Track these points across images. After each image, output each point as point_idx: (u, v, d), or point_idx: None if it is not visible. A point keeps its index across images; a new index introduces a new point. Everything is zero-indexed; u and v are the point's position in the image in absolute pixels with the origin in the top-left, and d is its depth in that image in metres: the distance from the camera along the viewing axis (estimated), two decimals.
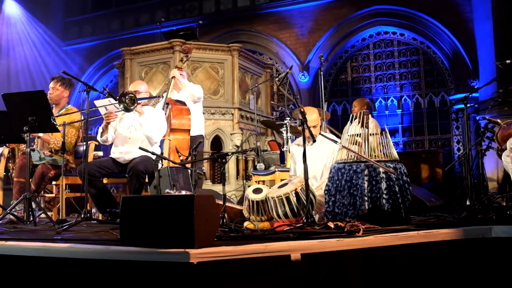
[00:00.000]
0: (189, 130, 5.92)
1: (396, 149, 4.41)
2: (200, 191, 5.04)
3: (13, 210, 4.79)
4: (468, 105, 5.01)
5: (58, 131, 5.01)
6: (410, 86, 11.26)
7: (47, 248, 3.09)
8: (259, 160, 6.96)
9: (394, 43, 11.46)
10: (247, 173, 7.84)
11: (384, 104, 11.44)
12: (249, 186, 5.25)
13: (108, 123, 5.17)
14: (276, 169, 6.25)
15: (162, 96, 6.00)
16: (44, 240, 3.44)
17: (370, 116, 4.76)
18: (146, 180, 5.09)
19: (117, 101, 4.78)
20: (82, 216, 4.40)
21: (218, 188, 6.52)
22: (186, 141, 5.85)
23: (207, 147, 7.65)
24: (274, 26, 12.11)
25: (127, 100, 4.77)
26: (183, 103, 6.03)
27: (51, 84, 5.74)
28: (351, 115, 4.45)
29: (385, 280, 3.17)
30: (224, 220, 4.01)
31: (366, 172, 4.06)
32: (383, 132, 4.36)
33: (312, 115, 4.92)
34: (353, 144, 4.26)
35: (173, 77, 6.09)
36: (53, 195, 6.05)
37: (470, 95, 5.50)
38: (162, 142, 5.51)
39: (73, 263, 2.93)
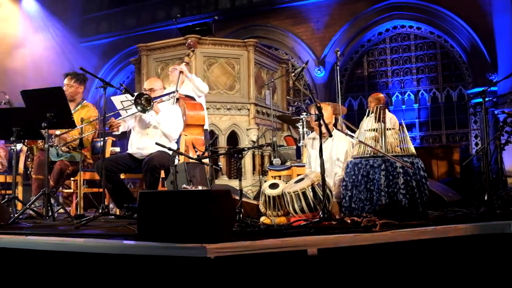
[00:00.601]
0: (203, 125, 5.93)
1: (413, 144, 4.38)
2: (216, 186, 5.05)
3: (32, 206, 4.84)
4: (487, 99, 4.95)
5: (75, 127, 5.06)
6: (427, 80, 11.16)
7: (65, 243, 3.12)
8: (275, 155, 6.96)
9: (410, 37, 11.36)
10: (263, 168, 7.84)
11: (400, 98, 11.35)
12: (265, 181, 5.25)
13: (112, 131, 5.19)
14: (292, 164, 6.25)
15: (177, 91, 6.00)
16: (62, 235, 3.47)
17: (387, 111, 4.73)
18: (163, 175, 5.11)
19: (133, 100, 4.82)
20: (100, 211, 4.44)
21: (234, 183, 6.53)
22: (201, 135, 5.86)
23: (223, 142, 7.67)
24: (289, 21, 12.07)
25: (143, 101, 4.81)
26: (193, 98, 6.05)
27: (66, 81, 5.75)
28: (367, 110, 4.43)
29: (402, 276, 3.15)
30: (241, 215, 4.02)
31: (383, 166, 4.04)
32: (400, 126, 4.33)
33: (325, 112, 4.87)
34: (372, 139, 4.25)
35: (181, 72, 6.13)
36: (71, 190, 6.11)
37: (489, 89, 5.43)
38: (178, 137, 5.53)
39: (91, 257, 2.96)
